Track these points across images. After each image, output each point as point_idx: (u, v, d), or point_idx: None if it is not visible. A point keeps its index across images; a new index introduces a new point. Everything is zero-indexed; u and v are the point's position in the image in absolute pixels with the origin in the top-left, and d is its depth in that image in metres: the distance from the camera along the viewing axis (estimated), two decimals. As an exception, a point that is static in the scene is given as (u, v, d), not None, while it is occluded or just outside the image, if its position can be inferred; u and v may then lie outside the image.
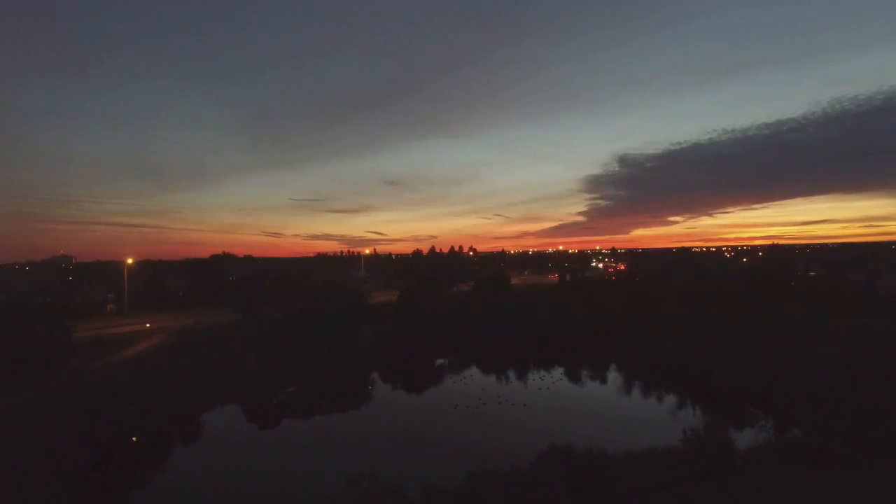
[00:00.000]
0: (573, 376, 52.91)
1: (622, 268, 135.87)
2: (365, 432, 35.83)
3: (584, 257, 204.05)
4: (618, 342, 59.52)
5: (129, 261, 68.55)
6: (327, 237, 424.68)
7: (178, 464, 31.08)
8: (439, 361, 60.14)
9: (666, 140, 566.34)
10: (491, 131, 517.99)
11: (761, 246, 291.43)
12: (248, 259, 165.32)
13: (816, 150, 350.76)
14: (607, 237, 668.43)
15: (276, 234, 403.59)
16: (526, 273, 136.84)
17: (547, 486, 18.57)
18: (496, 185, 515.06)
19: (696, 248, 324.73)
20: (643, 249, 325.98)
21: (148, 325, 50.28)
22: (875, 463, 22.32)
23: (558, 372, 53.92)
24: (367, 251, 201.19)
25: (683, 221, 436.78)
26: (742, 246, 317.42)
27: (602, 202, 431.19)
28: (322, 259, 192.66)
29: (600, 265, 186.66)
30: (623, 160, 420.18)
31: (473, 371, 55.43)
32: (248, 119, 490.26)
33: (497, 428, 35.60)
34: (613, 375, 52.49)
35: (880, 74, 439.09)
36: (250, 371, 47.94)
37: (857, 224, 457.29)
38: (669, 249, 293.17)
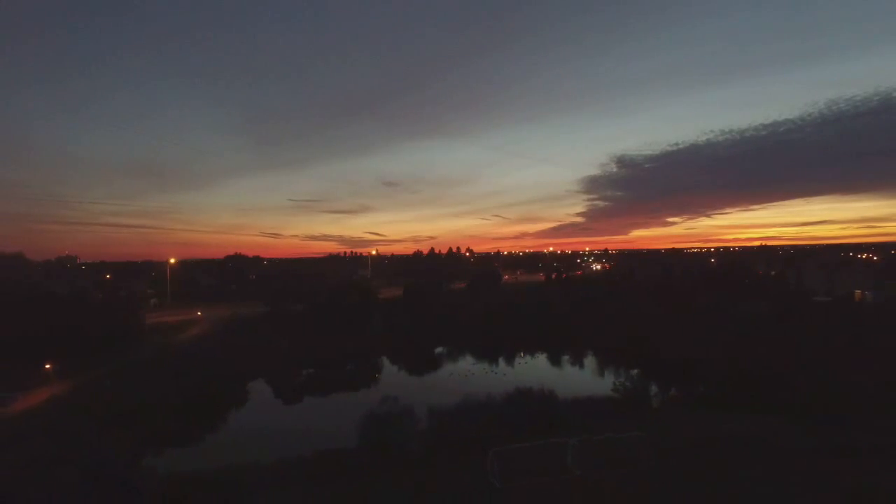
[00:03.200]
0: (554, 360, 62.15)
1: (608, 268, 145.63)
2: (380, 391, 45.32)
3: (571, 258, 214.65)
4: (593, 330, 68.57)
5: (172, 261, 78.23)
6: (326, 238, 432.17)
7: (236, 416, 40.61)
8: (438, 349, 69.27)
9: (664, 141, 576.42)
10: (489, 132, 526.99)
11: (755, 247, 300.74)
12: (257, 259, 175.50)
13: (814, 151, 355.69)
14: (606, 238, 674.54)
15: (274, 234, 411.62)
16: (518, 272, 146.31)
17: (512, 410, 28.07)
18: (495, 186, 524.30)
19: (695, 248, 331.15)
20: (641, 250, 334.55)
21: (199, 313, 59.80)
22: (746, 406, 31.83)
23: (542, 357, 63.18)
24: (374, 252, 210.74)
25: (682, 222, 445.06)
26: (734, 247, 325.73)
27: (600, 203, 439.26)
28: (333, 259, 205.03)
29: (598, 266, 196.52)
30: (621, 161, 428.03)
31: (467, 356, 64.61)
32: (246, 120, 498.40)
33: (482, 385, 44.67)
34: (588, 359, 61.76)
35: (876, 76, 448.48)
36: (278, 353, 57.13)
37: (856, 225, 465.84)
38: (669, 250, 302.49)
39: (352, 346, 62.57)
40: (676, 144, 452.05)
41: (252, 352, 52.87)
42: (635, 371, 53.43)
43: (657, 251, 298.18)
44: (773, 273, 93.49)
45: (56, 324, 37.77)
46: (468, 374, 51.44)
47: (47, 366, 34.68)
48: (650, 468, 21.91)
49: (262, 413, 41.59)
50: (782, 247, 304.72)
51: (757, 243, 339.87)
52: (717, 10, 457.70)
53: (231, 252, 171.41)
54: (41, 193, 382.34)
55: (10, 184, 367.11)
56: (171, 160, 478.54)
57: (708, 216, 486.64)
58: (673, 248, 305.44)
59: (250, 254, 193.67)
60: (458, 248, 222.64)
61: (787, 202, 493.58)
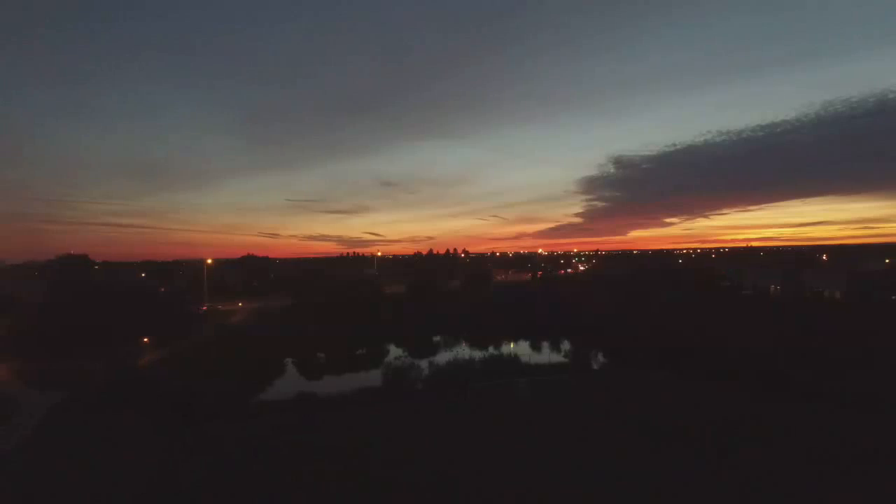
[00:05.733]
0: (534, 345, 73.76)
1: (590, 267, 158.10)
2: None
3: (559, 258, 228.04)
4: (566, 319, 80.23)
5: (209, 261, 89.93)
6: (324, 238, 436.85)
7: (280, 381, 52.43)
8: (436, 338, 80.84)
9: (661, 142, 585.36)
10: (487, 133, 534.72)
11: (741, 248, 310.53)
12: (266, 259, 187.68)
13: (811, 152, 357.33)
14: (604, 238, 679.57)
15: (272, 234, 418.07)
16: (509, 272, 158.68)
17: (487, 366, 40.26)
18: (493, 187, 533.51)
19: (692, 249, 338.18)
20: (638, 251, 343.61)
21: (240, 304, 71.78)
22: (655, 366, 43.98)
23: (525, 343, 74.71)
24: (379, 253, 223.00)
25: (680, 223, 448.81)
26: (725, 248, 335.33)
27: (599, 204, 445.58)
28: (341, 259, 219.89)
29: (584, 266, 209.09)
30: (619, 162, 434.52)
31: (462, 343, 76.04)
32: (245, 120, 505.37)
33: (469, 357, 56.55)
34: (563, 343, 73.40)
35: (872, 78, 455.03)
36: (303, 338, 68.81)
37: (853, 226, 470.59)
38: (657, 251, 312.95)
39: (363, 334, 73.99)
40: (674, 145, 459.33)
41: (283, 335, 64.68)
42: (598, 350, 65.34)
43: (651, 252, 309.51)
44: (724, 272, 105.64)
45: (144, 310, 49.73)
46: (461, 351, 63.42)
47: (145, 339, 46.68)
48: (572, 397, 34.26)
49: (298, 379, 53.51)
50: (779, 248, 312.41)
51: (754, 244, 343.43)
52: (714, 12, 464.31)
53: (231, 252, 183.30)
54: (41, 193, 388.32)
55: (11, 184, 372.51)
56: (170, 160, 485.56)
57: (706, 217, 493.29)
58: (665, 249, 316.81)
59: (249, 254, 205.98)
60: (454, 249, 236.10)
61: (784, 203, 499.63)
